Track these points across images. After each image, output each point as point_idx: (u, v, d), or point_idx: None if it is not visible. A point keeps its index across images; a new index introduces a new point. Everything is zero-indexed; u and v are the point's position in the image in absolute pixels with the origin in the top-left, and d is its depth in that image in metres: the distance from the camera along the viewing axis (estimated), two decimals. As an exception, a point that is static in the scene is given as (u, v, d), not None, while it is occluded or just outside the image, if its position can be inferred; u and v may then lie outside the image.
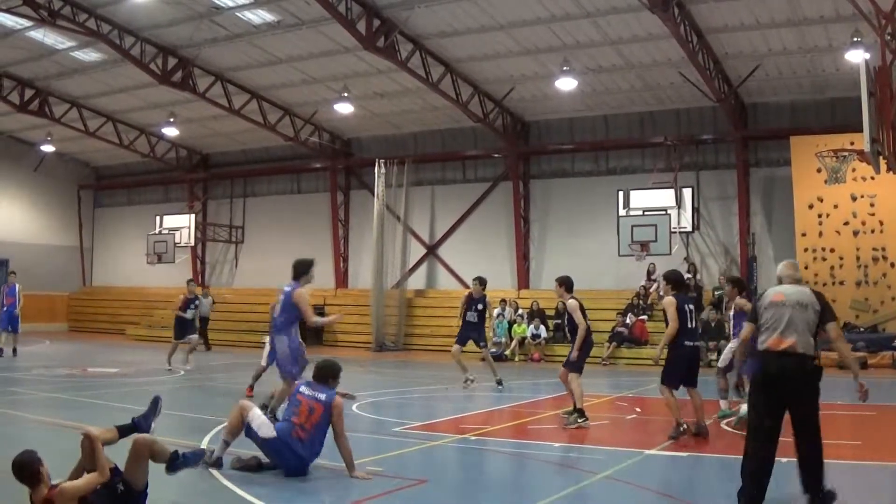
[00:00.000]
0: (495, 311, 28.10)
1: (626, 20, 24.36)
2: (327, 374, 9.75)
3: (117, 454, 7.25)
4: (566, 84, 27.00)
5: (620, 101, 30.15)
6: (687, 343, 12.19)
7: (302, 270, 12.93)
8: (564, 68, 26.15)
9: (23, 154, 40.73)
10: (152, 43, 28.78)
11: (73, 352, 29.70)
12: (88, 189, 44.75)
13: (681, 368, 12.27)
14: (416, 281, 34.83)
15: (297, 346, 12.84)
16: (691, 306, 12.39)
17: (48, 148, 39.12)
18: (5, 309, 25.27)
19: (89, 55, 30.58)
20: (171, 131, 35.55)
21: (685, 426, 12.17)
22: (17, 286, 25.90)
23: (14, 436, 11.76)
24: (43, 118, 34.87)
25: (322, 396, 9.43)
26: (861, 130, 15.01)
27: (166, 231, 37.38)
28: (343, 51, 27.73)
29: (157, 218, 38.42)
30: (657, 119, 30.54)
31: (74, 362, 24.42)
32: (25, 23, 27.33)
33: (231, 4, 25.83)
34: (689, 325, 12.21)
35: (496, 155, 33.38)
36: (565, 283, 14.11)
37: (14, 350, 25.44)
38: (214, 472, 9.19)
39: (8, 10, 25.75)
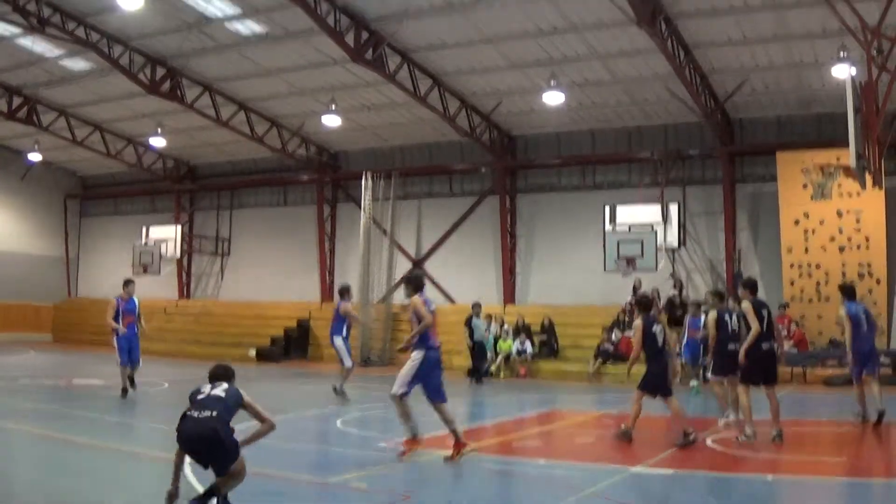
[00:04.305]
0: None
1: (614, 34, 24.40)
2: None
3: None
4: (553, 98, 27.03)
5: (607, 115, 30.19)
6: (659, 358, 13.14)
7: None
8: (552, 82, 26.21)
9: (10, 162, 40.58)
10: (141, 52, 28.75)
11: (57, 362, 29.58)
12: (75, 198, 44.63)
13: (659, 378, 13.12)
14: (403, 295, 34.59)
15: None
16: (658, 326, 13.29)
17: (36, 156, 38.97)
18: None
19: (78, 64, 30.49)
20: (158, 142, 35.50)
21: (693, 434, 12.70)
22: None
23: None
24: (31, 126, 34.80)
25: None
26: (847, 146, 15.05)
27: (152, 242, 37.31)
28: (331, 63, 27.72)
29: (144, 229, 38.42)
30: (644, 134, 30.59)
31: (59, 373, 24.30)
32: (15, 30, 27.24)
33: (220, 15, 25.82)
34: (658, 345, 13.11)
35: (483, 169, 33.41)
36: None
37: None
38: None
39: (-3, 17, 25.74)
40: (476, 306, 26.71)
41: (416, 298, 12.01)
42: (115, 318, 18.68)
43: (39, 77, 31.95)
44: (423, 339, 11.99)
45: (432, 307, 12.17)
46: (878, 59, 16.64)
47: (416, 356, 11.86)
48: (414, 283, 12.43)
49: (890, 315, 25.92)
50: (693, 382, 21.95)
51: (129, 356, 18.37)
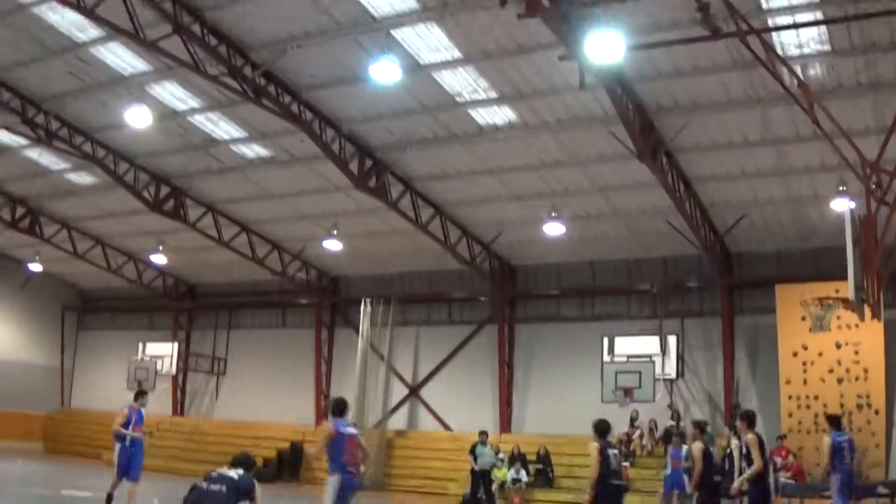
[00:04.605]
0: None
1: (615, 168, 24.71)
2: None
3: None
4: (554, 229, 27.27)
5: (607, 247, 30.36)
6: (612, 482, 13.05)
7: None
8: (552, 214, 26.50)
9: (10, 271, 40.60)
10: (146, 170, 29.10)
11: (47, 473, 29.19)
12: (73, 311, 44.58)
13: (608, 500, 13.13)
14: (398, 421, 34.46)
15: None
16: (614, 451, 13.30)
17: (36, 267, 39.04)
18: None
19: (83, 178, 30.87)
20: (159, 259, 35.69)
21: None
22: None
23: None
24: (33, 237, 34.97)
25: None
26: (846, 278, 15.14)
27: (149, 358, 37.19)
28: (334, 189, 28.04)
29: (141, 344, 38.36)
30: (643, 266, 30.70)
31: (48, 483, 23.99)
32: (22, 141, 27.69)
33: (226, 138, 26.25)
34: (612, 468, 13.07)
35: (482, 298, 33.42)
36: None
37: None
38: None
39: (6, 128, 26.15)
40: (483, 434, 26.74)
41: (325, 422, 12.50)
42: (125, 429, 17.62)
43: (44, 189, 32.28)
44: (338, 461, 12.24)
45: (347, 430, 12.44)
46: (876, 192, 16.84)
47: (332, 480, 12.17)
48: (334, 405, 12.83)
49: (888, 445, 25.71)
50: None
51: (127, 471, 17.45)
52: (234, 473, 8.48)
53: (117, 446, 17.51)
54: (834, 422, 16.76)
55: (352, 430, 12.59)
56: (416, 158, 25.97)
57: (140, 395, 18.57)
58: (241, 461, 8.97)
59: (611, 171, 25.17)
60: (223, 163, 27.86)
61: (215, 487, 8.13)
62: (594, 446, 13.24)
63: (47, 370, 43.03)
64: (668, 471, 21.67)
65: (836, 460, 16.05)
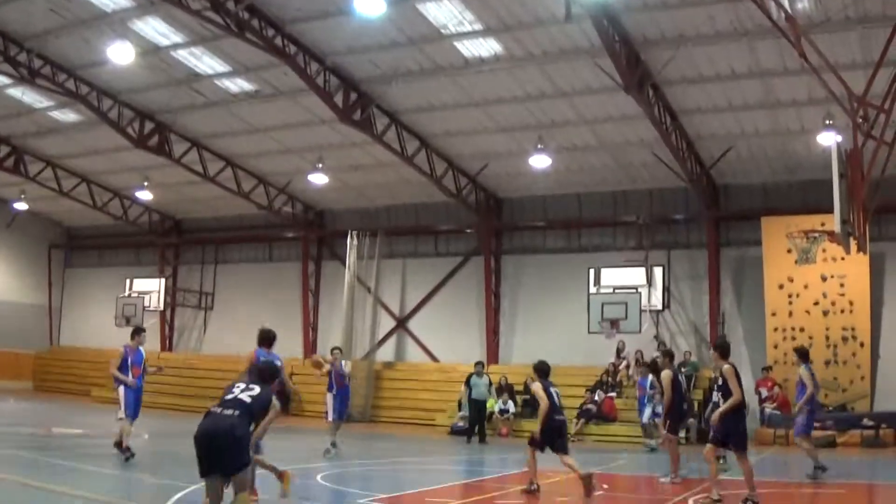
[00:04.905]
0: (462, 386, 28.12)
1: (601, 100, 24.69)
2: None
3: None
4: (540, 162, 27.23)
5: (593, 179, 30.38)
6: (556, 417, 13.86)
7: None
8: (538, 146, 26.43)
9: (-5, 210, 40.57)
10: (130, 106, 28.90)
11: (37, 411, 29.36)
12: (59, 249, 44.54)
13: (550, 437, 13.80)
14: (385, 353, 34.68)
15: None
16: (555, 389, 14.13)
17: (21, 206, 38.96)
18: None
19: (67, 115, 30.66)
20: (144, 195, 35.57)
21: (536, 485, 13.68)
22: None
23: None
24: (18, 176, 34.83)
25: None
26: (832, 212, 15.18)
27: (136, 294, 37.20)
28: (319, 122, 27.93)
29: (128, 281, 38.30)
30: (629, 198, 30.77)
31: (39, 421, 24.12)
32: (5, 80, 27.42)
33: (210, 72, 26.04)
34: (556, 405, 13.88)
35: (468, 230, 33.49)
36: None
37: None
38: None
39: (-13, 67, 25.88)
40: (478, 364, 27.12)
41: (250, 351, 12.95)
42: (122, 370, 16.54)
43: (28, 127, 32.08)
44: None
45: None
46: (863, 126, 16.82)
47: None
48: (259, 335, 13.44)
49: (874, 378, 26.07)
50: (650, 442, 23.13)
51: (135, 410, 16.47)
52: (249, 396, 8.54)
53: (121, 389, 16.56)
54: (804, 354, 17.11)
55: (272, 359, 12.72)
56: (401, 91, 25.84)
57: (136, 332, 17.41)
58: (264, 374, 9.12)
59: (597, 104, 25.11)
60: (207, 98, 27.67)
61: (228, 412, 8.24)
62: (538, 385, 14.04)
63: (35, 309, 43.07)
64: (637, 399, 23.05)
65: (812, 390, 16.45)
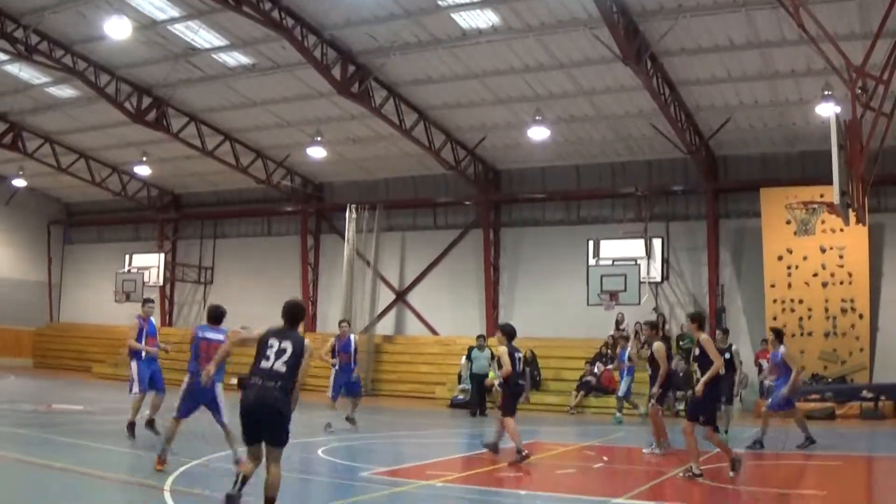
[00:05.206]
0: (462, 359, 28.20)
1: (599, 71, 24.61)
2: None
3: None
4: (538, 133, 27.17)
5: (592, 151, 30.35)
6: (519, 381, 15.02)
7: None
8: (537, 118, 26.36)
9: (-6, 187, 40.55)
10: (127, 81, 28.83)
11: (37, 387, 29.40)
12: (59, 225, 44.55)
13: (515, 401, 14.94)
14: (385, 326, 34.75)
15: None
16: (519, 354, 14.94)
17: (20, 182, 38.94)
18: None
19: (64, 91, 30.58)
20: (143, 170, 35.47)
21: (525, 453, 14.09)
22: None
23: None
24: (16, 152, 34.75)
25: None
26: (831, 183, 15.18)
27: (135, 270, 37.24)
28: (317, 95, 27.86)
29: (127, 256, 38.36)
30: (628, 170, 30.74)
31: (39, 398, 24.17)
32: (2, 56, 27.29)
33: (207, 46, 25.93)
34: (518, 369, 14.78)
35: (467, 202, 33.47)
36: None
37: None
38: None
39: (-16, 44, 25.78)
40: (480, 338, 27.09)
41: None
42: (138, 341, 16.42)
43: (25, 104, 31.98)
44: (190, 363, 13.39)
45: (205, 334, 13.47)
46: (862, 97, 16.78)
47: (185, 379, 13.10)
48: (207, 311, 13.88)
49: (873, 350, 26.14)
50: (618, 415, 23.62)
51: (155, 383, 16.44)
52: (283, 364, 8.67)
53: (133, 363, 16.41)
54: (780, 335, 17.80)
55: (211, 335, 13.24)
56: (399, 63, 25.75)
57: (146, 302, 17.50)
58: (293, 312, 9.39)
59: (595, 75, 25.04)
60: (205, 72, 27.59)
61: (270, 384, 8.48)
62: (503, 349, 14.53)
63: (35, 286, 43.20)
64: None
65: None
